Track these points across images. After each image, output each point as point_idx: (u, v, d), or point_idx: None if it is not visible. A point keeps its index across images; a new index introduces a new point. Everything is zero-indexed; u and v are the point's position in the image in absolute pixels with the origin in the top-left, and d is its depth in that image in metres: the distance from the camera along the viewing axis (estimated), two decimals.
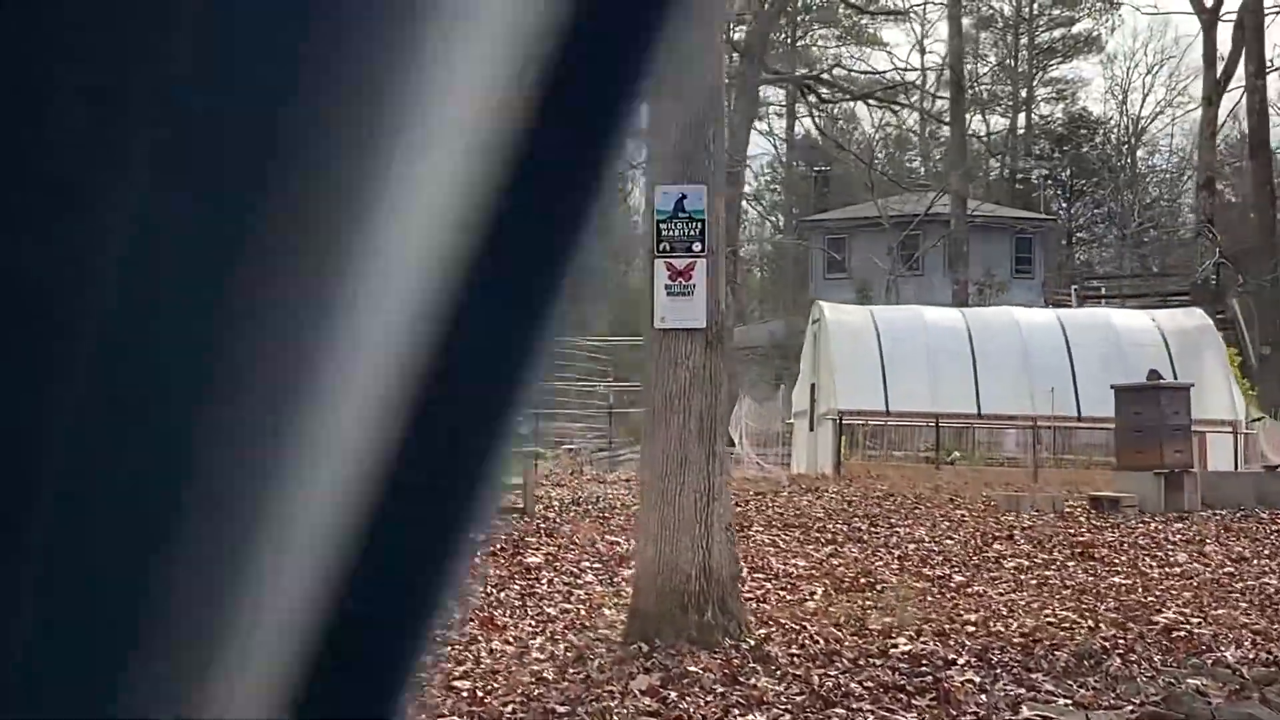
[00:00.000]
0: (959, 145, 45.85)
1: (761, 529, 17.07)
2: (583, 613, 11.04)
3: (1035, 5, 71.39)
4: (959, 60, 47.41)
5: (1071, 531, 15.89)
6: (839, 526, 16.99)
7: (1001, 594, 11.60)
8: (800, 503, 20.46)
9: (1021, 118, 79.72)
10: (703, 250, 9.57)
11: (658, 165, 9.64)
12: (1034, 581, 12.39)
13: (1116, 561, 13.54)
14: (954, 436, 26.80)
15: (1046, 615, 10.47)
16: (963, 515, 17.90)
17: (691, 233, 9.55)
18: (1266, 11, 38.72)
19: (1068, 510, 18.37)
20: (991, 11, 72.74)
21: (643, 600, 9.51)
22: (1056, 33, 76.89)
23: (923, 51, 71.24)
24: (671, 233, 9.55)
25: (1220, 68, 40.71)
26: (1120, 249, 78.27)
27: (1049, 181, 78.37)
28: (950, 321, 28.32)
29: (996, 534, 15.75)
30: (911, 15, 65.76)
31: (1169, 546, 14.53)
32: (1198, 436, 26.69)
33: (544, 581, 12.83)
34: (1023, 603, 11.16)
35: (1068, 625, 9.92)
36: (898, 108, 61.83)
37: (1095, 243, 79.29)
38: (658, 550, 9.45)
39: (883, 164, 64.53)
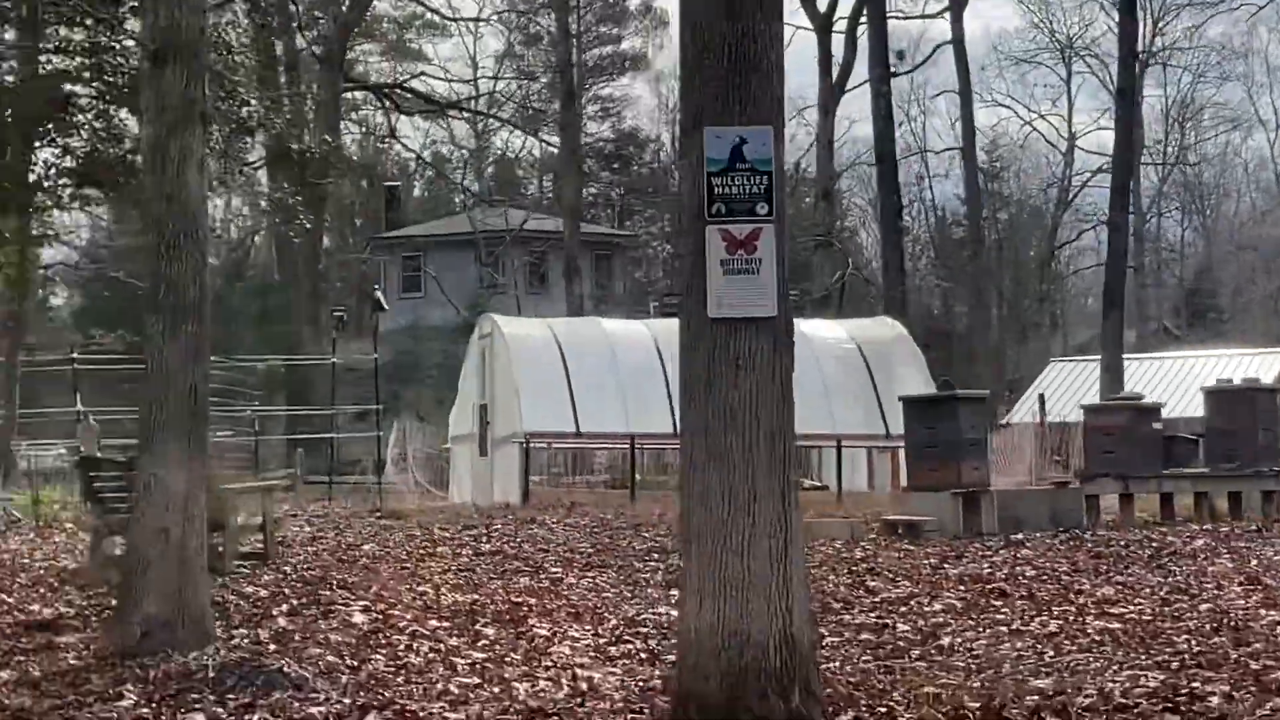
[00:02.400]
0: (570, 156, 44.13)
1: (561, 568, 14.65)
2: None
3: (582, 23, 70.48)
4: (568, 66, 45.77)
5: (930, 565, 14.08)
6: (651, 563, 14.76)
7: (1029, 648, 9.62)
8: (547, 534, 18.09)
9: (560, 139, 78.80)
10: (770, 213, 7.22)
11: (700, 99, 7.23)
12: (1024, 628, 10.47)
13: (1042, 598, 11.77)
14: (648, 458, 24.83)
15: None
16: None
17: (755, 189, 7.19)
18: (887, 16, 38.42)
19: (869, 538, 16.64)
20: (539, 29, 71.54)
21: (697, 681, 7.06)
22: (606, 49, 76.44)
23: (475, 66, 69.42)
24: (728, 190, 7.17)
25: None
26: (673, 266, 78.49)
27: (599, 200, 77.85)
28: (635, 334, 26.38)
29: (850, 572, 13.81)
30: (456, 30, 64.12)
31: (1064, 578, 12.88)
32: (888, 452, 25.70)
33: (409, 649, 10.13)
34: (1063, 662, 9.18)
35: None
36: (480, 119, 59.95)
37: (652, 260, 79.38)
38: (718, 614, 7.04)
39: (459, 180, 62.53)
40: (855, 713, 7.44)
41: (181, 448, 10.10)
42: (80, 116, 14.44)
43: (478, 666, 9.68)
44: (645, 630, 11.03)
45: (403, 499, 26.46)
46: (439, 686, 9.03)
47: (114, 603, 12.35)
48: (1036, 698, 7.86)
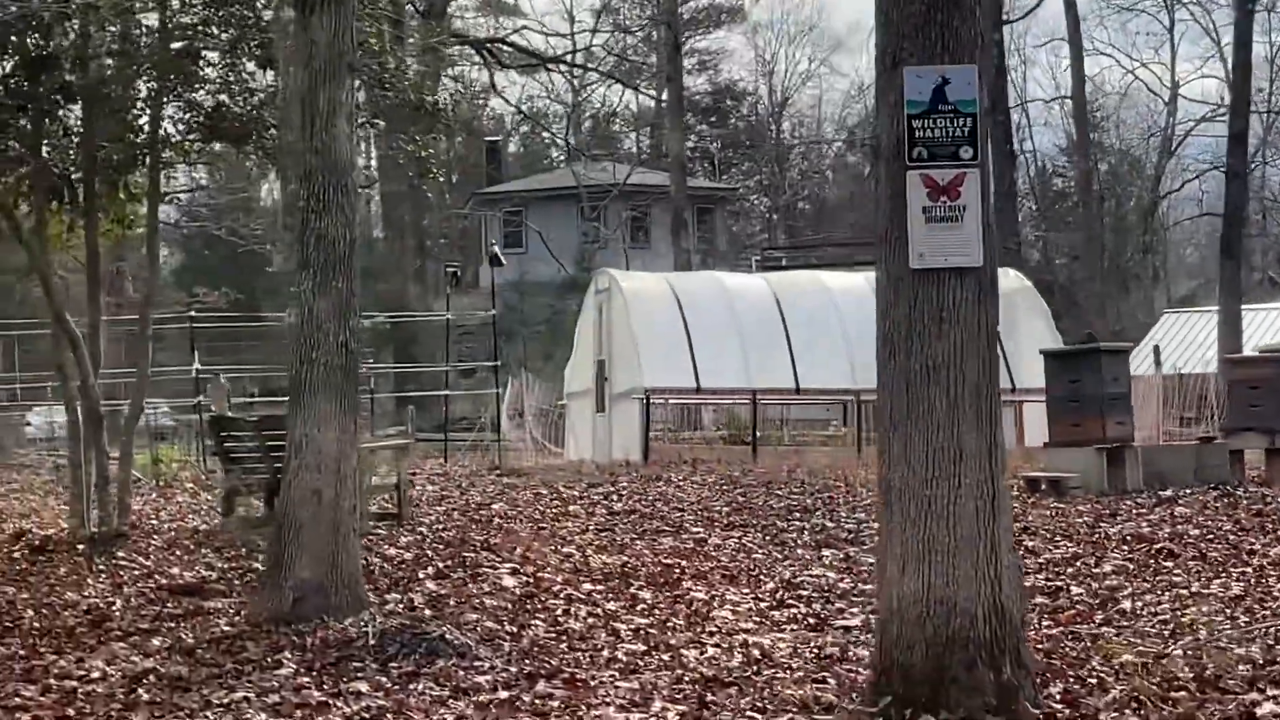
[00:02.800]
0: (676, 108, 43.61)
1: (702, 527, 14.31)
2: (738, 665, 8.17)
3: None
4: (673, 16, 45.22)
5: (1086, 524, 13.61)
6: (803, 520, 14.38)
7: (1218, 613, 9.17)
8: (676, 492, 17.75)
9: (667, 91, 77.99)
10: (974, 158, 6.79)
11: (898, 37, 6.80)
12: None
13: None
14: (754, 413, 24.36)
15: None
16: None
17: (958, 132, 6.76)
18: None
19: (1013, 495, 16.15)
20: None
21: (900, 651, 6.68)
22: (701, 2, 75.68)
23: (572, 20, 68.94)
24: (930, 133, 6.74)
25: None
26: (770, 220, 77.92)
27: (696, 154, 77.22)
28: (754, 288, 25.93)
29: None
30: None
31: (1230, 537, 12.38)
32: (1013, 406, 25.14)
33: (567, 614, 9.82)
34: None
35: None
36: (578, 73, 59.53)
37: (749, 214, 78.73)
38: (922, 581, 6.64)
39: (563, 135, 62.13)
40: (1064, 684, 7.03)
41: (333, 406, 9.82)
42: (209, 70, 14.15)
43: (641, 632, 9.36)
44: (805, 593, 10.67)
45: (520, 456, 26.23)
46: (605, 654, 8.72)
47: (256, 566, 12.17)
48: (1248, 668, 7.42)
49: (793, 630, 9.47)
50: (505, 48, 50.79)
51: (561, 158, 70.08)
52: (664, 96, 64.92)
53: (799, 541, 13.24)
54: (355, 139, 10.18)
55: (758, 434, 23.89)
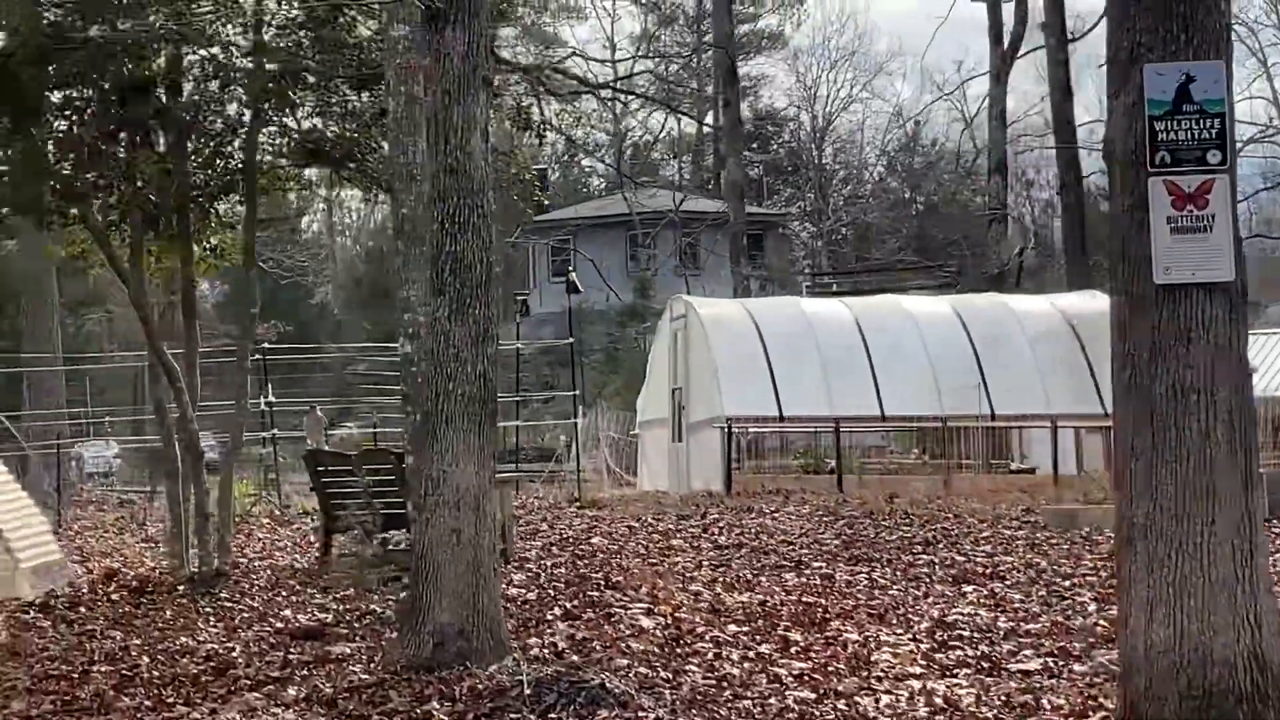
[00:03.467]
0: (733, 133, 43.09)
1: (822, 562, 13.72)
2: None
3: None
4: (728, 40, 44.74)
5: None
6: (922, 555, 13.78)
7: None
8: (775, 524, 17.17)
9: (710, 116, 77.44)
10: (1223, 162, 6.22)
11: (1136, 31, 6.24)
12: None
13: None
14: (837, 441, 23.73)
15: None
16: (1048, 538, 14.91)
17: (1205, 135, 6.19)
18: None
19: None
20: (673, 8, 70.56)
21: (1149, 704, 6.09)
22: (741, 29, 75.19)
23: (613, 48, 68.65)
24: (1174, 136, 6.17)
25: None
26: (813, 246, 77.24)
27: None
28: (837, 314, 25.34)
29: None
30: (593, 12, 63.24)
31: None
32: (1102, 432, 24.46)
33: (719, 658, 9.24)
34: None
35: None
36: (621, 101, 59.10)
37: (789, 241, 78.12)
38: (1175, 628, 6.06)
39: (614, 163, 61.69)
40: None
41: (471, 441, 9.27)
42: (304, 93, 13.68)
43: (804, 678, 8.77)
44: (964, 634, 10.05)
45: (592, 487, 25.65)
46: (773, 702, 8.15)
47: (373, 608, 11.64)
48: None
49: (966, 674, 8.87)
50: (556, 75, 50.36)
51: (602, 186, 69.61)
52: (708, 122, 64.48)
53: (934, 577, 12.63)
54: (490, 157, 9.64)
55: (839, 463, 23.25)
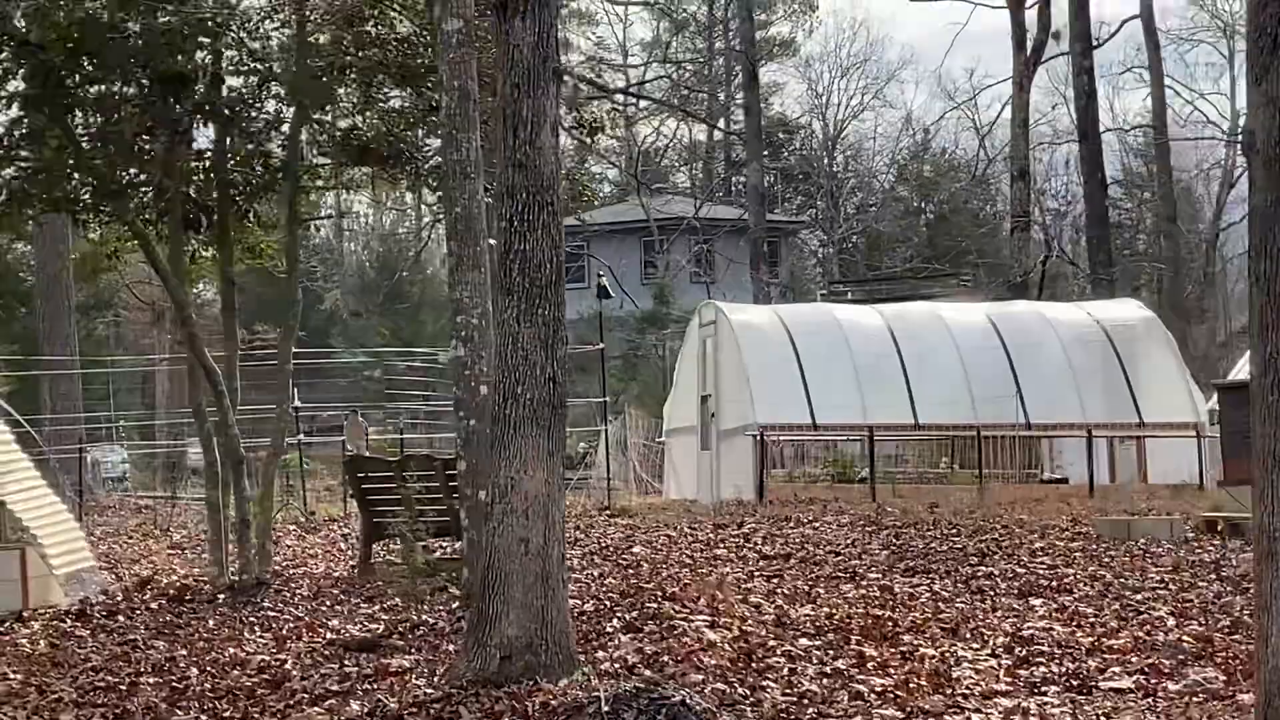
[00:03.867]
0: (755, 138, 42.73)
1: (878, 573, 13.35)
2: None
3: (729, 8, 68.96)
4: (750, 46, 44.41)
5: None
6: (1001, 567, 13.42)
7: None
8: (816, 533, 16.82)
9: (721, 122, 77.01)
10: None
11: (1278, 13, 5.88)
12: None
13: None
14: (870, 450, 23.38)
15: None
16: (1104, 549, 14.56)
17: None
18: None
19: (1191, 538, 15.21)
20: (685, 15, 70.26)
21: None
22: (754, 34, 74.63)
23: (625, 53, 68.42)
24: None
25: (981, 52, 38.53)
26: (823, 254, 76.84)
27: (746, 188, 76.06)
28: (869, 321, 24.98)
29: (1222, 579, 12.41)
30: (605, 18, 63.12)
31: None
32: (1136, 441, 24.14)
33: (794, 673, 8.88)
34: None
35: None
36: (633, 107, 58.85)
37: (802, 247, 77.73)
38: None
39: (633, 169, 61.26)
40: None
41: (540, 446, 8.93)
42: (347, 89, 13.35)
43: (888, 695, 8.42)
44: (1044, 649, 9.69)
45: (619, 495, 25.30)
46: None
47: (425, 619, 11.29)
48: None
49: (1055, 693, 8.51)
50: (573, 79, 50.09)
51: (613, 192, 69.26)
52: (725, 128, 64.12)
53: (997, 589, 12.26)
54: (560, 152, 9.30)
55: (873, 472, 22.89)
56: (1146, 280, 58.08)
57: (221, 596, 12.57)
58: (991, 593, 12.13)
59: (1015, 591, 12.10)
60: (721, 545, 16.20)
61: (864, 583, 12.89)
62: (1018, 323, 24.76)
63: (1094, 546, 14.79)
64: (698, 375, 25.64)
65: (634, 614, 11.05)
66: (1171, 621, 10.56)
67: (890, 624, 10.60)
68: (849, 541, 16.05)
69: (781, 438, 23.78)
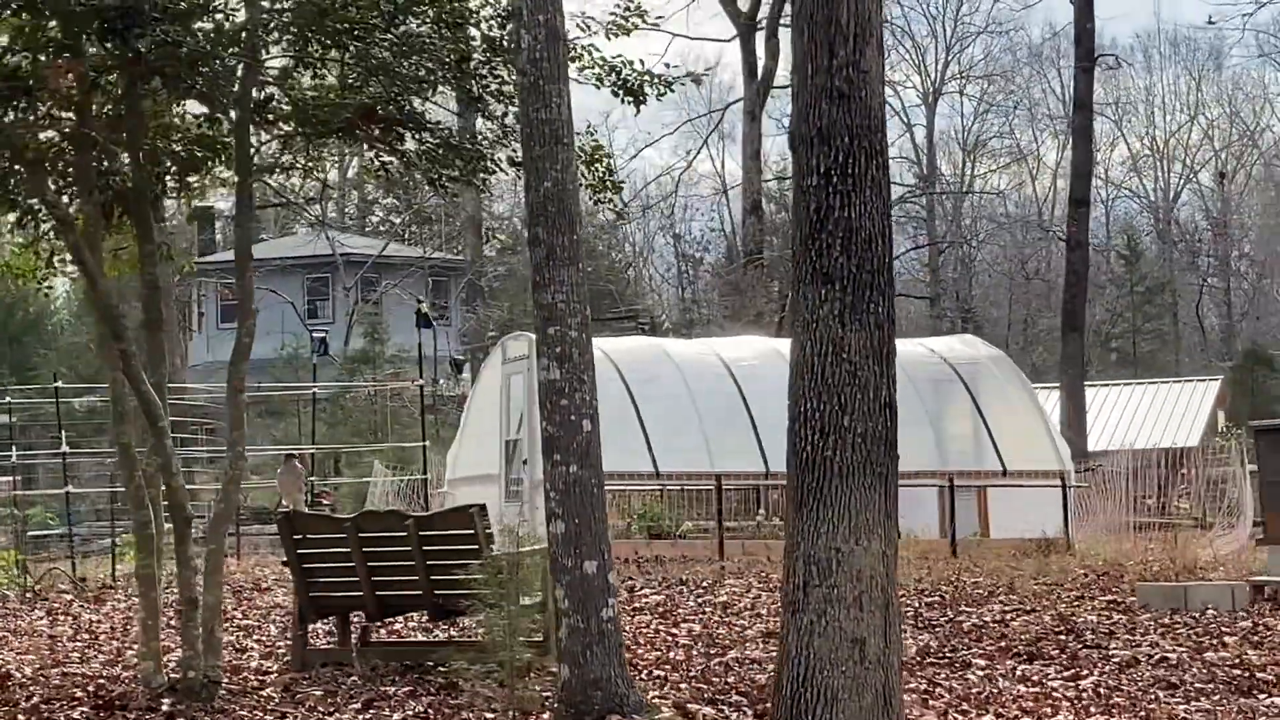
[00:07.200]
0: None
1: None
2: None
3: None
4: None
5: None
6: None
7: None
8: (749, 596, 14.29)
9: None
10: None
11: None
12: None
13: None
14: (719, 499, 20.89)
15: None
16: (1178, 625, 12.38)
17: None
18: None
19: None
20: None
21: None
22: None
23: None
24: None
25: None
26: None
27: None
28: (703, 357, 22.55)
29: None
30: None
31: None
32: (977, 491, 22.36)
33: None
34: None
35: None
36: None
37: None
38: None
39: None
40: None
41: (876, 501, 6.23)
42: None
43: None
44: None
45: None
46: None
47: None
48: None
49: None
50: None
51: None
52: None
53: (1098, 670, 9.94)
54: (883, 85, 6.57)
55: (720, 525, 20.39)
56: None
57: (166, 704, 9.21)
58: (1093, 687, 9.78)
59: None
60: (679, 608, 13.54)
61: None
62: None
63: (1145, 619, 12.61)
64: (500, 418, 22.77)
65: None
66: None
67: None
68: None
69: (635, 488, 21.19)
